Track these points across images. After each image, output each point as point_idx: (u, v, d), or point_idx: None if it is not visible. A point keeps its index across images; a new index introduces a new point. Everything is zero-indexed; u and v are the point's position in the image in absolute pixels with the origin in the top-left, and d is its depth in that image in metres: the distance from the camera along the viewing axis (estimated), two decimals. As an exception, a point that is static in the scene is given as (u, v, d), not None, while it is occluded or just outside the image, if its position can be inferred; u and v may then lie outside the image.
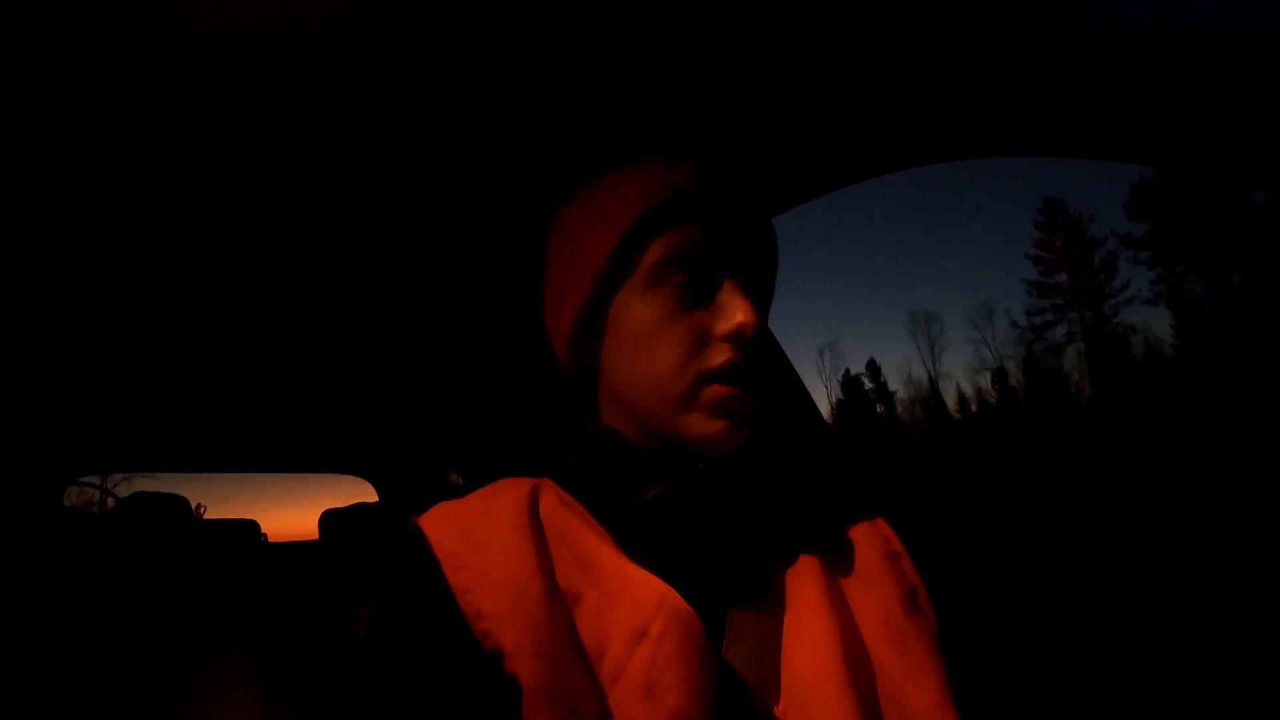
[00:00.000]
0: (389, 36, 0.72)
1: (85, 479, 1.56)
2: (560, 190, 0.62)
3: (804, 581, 0.51)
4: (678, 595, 0.45)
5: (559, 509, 0.50)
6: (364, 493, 1.94)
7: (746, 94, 0.85)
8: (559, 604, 0.45)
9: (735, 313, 0.50)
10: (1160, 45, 0.69)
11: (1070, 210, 35.73)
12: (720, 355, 0.50)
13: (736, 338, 0.49)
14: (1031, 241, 36.57)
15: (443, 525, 0.48)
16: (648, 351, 0.51)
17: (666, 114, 0.87)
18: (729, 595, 0.50)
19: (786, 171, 1.00)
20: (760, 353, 0.52)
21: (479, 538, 0.47)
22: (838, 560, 0.55)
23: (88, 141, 0.83)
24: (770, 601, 0.51)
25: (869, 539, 0.56)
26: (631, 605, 0.45)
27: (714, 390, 0.49)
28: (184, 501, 1.51)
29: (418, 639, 0.44)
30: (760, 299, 0.56)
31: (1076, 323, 35.36)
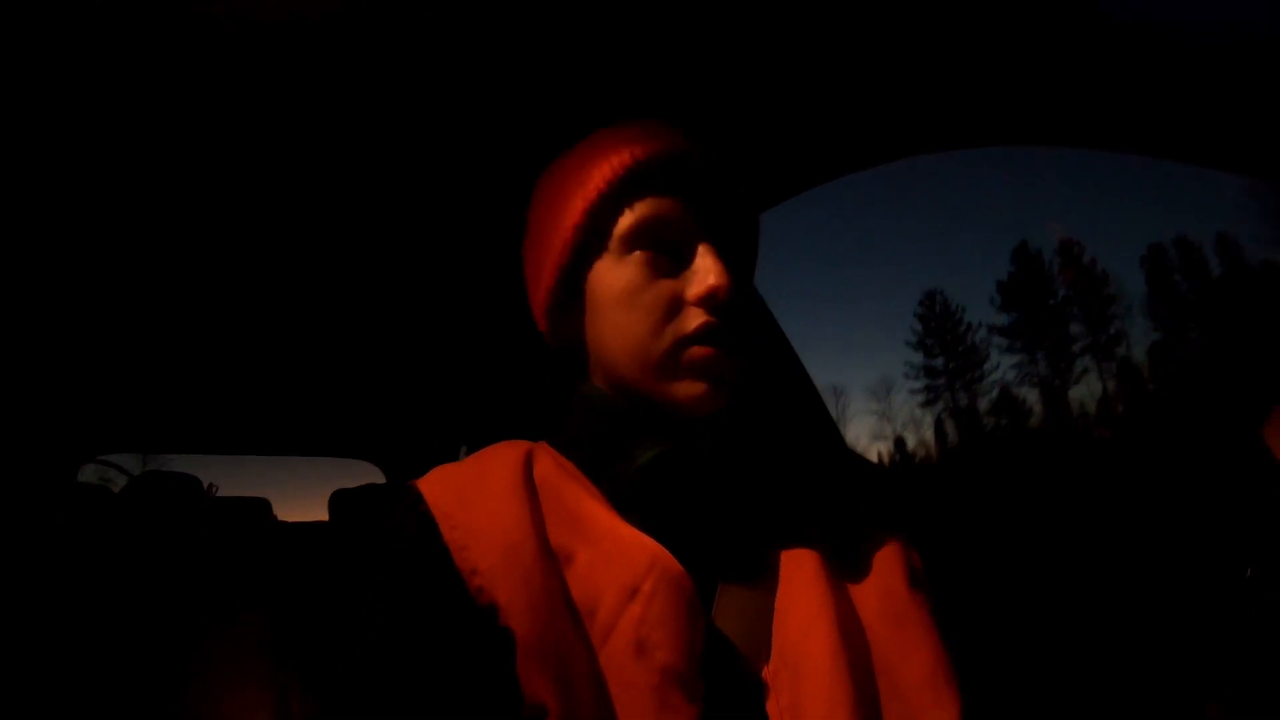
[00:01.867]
0: (376, 22, 0.73)
1: (103, 458, 1.59)
2: (537, 159, 0.62)
3: (800, 553, 0.52)
4: (670, 555, 0.46)
5: (554, 470, 0.51)
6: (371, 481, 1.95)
7: (726, 64, 0.85)
8: (551, 562, 0.45)
9: (707, 275, 0.50)
10: (1159, 38, 0.69)
11: (948, 301, 41.19)
12: (695, 319, 0.50)
13: (709, 300, 0.50)
14: (913, 329, 41.92)
15: (439, 486, 0.49)
16: (623, 319, 0.51)
17: (645, 83, 0.87)
18: (721, 561, 0.51)
19: (767, 153, 1.01)
20: (739, 316, 0.52)
21: (473, 497, 0.48)
22: (841, 534, 0.55)
23: (104, 128, 0.84)
24: (764, 567, 0.51)
25: (875, 517, 0.57)
26: (623, 564, 0.45)
27: (692, 352, 0.50)
28: (195, 480, 1.53)
29: (417, 593, 0.45)
30: (738, 265, 0.56)
31: (951, 401, 40.95)
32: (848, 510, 0.58)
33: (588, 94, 0.86)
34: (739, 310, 0.52)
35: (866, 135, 1.00)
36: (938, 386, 41.17)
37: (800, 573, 0.50)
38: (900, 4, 0.76)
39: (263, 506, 1.56)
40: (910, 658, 0.49)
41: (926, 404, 41.94)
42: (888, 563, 0.53)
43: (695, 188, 0.53)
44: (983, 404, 39.33)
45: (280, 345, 1.49)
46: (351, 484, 1.66)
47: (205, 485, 1.58)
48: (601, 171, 0.53)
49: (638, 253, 0.52)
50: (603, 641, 0.44)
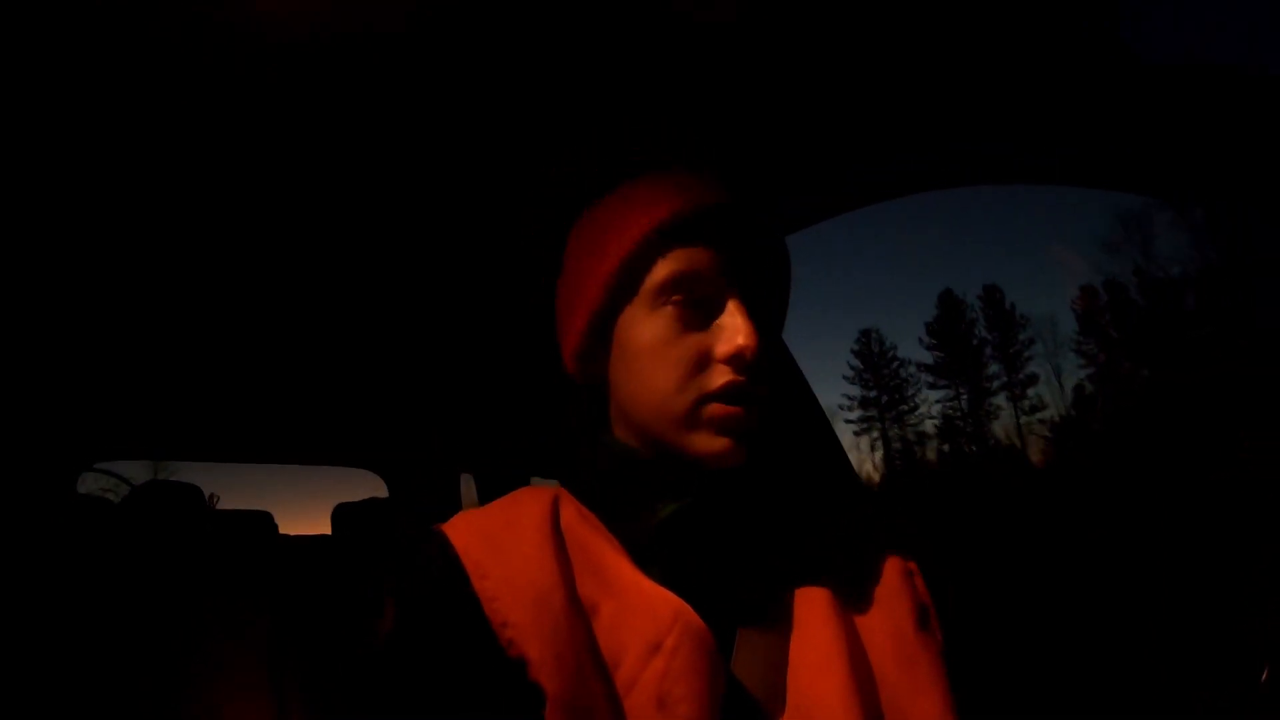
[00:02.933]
0: (412, 43, 0.73)
1: (102, 466, 1.57)
2: (573, 194, 0.63)
3: (813, 598, 0.52)
4: (691, 610, 0.47)
5: (578, 521, 0.52)
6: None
7: (756, 110, 0.85)
8: (579, 614, 0.46)
9: (736, 335, 0.50)
10: (1180, 80, 0.69)
11: (883, 339, 45.11)
12: (720, 377, 0.50)
13: (736, 360, 0.50)
14: (850, 364, 45.80)
15: (467, 534, 0.50)
16: (650, 371, 0.52)
17: (679, 125, 0.88)
18: (739, 610, 0.52)
19: (794, 190, 1.00)
20: (763, 371, 0.52)
21: (503, 547, 0.48)
22: (851, 577, 0.56)
23: (106, 133, 0.83)
24: (779, 617, 0.52)
25: (884, 555, 0.57)
26: (647, 618, 0.46)
27: (714, 409, 0.50)
28: (197, 490, 1.52)
29: (446, 643, 0.46)
30: (767, 318, 0.56)
31: (883, 430, 44.81)
32: (858, 551, 0.58)
33: (601, 116, 0.86)
34: (766, 367, 0.52)
35: (883, 168, 1.00)
36: (871, 418, 45.10)
37: (812, 619, 0.51)
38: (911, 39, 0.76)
39: (266, 520, 1.55)
40: (920, 699, 0.49)
41: (860, 433, 45.96)
42: (897, 603, 0.54)
43: (729, 242, 0.53)
44: (912, 435, 43.81)
45: (286, 354, 1.48)
46: (353, 497, 1.66)
47: (207, 496, 1.57)
48: (639, 222, 0.53)
49: (669, 305, 0.52)
50: (626, 694, 0.44)
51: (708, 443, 0.50)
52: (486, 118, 0.86)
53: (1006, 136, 0.88)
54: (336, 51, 0.74)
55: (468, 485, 1.79)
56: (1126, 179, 0.84)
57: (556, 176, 0.92)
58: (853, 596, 0.54)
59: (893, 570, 0.56)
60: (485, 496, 1.73)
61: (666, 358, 0.51)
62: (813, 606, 0.52)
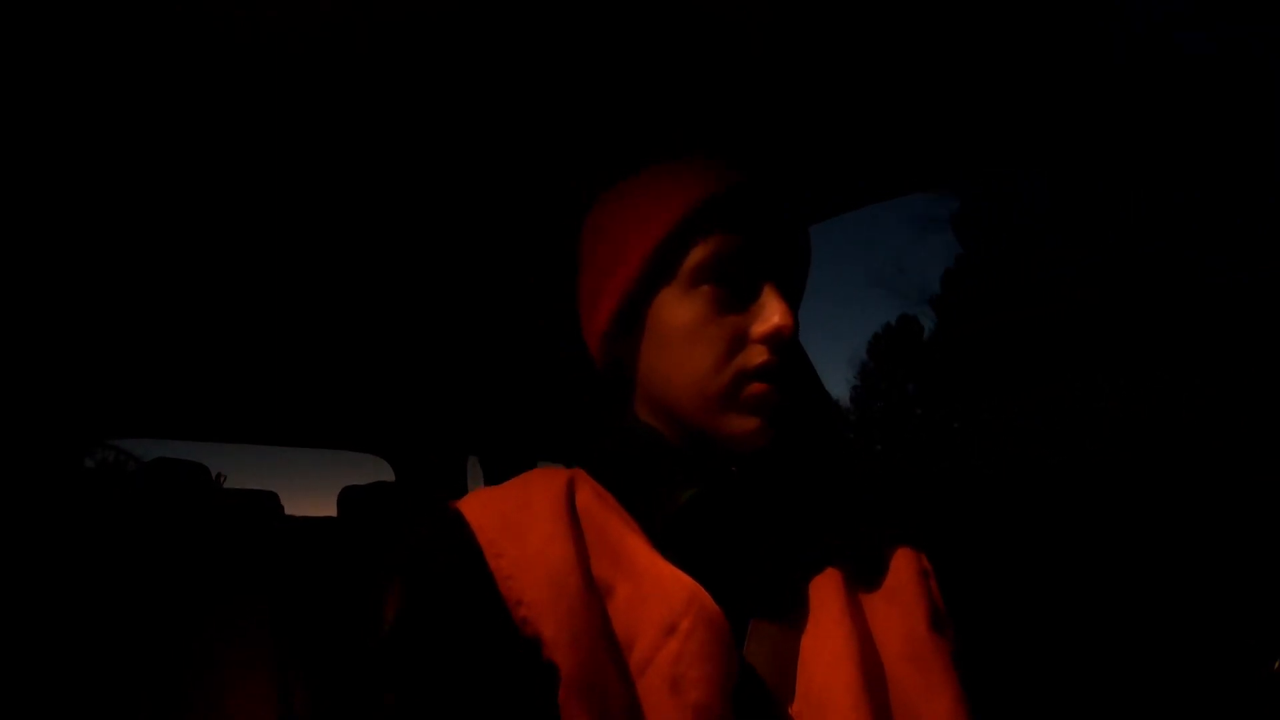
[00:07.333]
0: (422, 33, 0.73)
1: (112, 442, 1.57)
2: (587, 181, 0.62)
3: (828, 591, 0.52)
4: (707, 594, 0.47)
5: (595, 502, 0.51)
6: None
7: (779, 98, 0.85)
8: (594, 595, 0.46)
9: (774, 315, 0.51)
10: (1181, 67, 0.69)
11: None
12: (758, 355, 0.51)
13: (774, 339, 0.51)
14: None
15: (483, 512, 0.49)
16: (687, 350, 0.52)
17: (702, 114, 0.87)
18: (754, 598, 0.52)
19: (819, 177, 1.00)
20: (792, 356, 0.53)
21: (519, 526, 0.48)
22: (866, 573, 0.56)
23: (115, 121, 0.83)
24: (793, 607, 0.52)
25: (900, 555, 0.57)
26: (662, 600, 0.46)
27: (752, 388, 0.51)
28: (204, 469, 1.52)
29: (460, 620, 0.45)
30: (795, 302, 0.57)
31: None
32: (874, 548, 0.58)
33: (614, 108, 0.86)
34: (794, 350, 0.53)
35: (905, 159, 0.99)
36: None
37: (826, 613, 0.51)
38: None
39: (271, 500, 1.56)
40: (932, 701, 0.49)
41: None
42: (911, 603, 0.54)
43: (760, 227, 0.54)
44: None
45: (296, 335, 1.48)
46: (359, 480, 1.66)
47: (214, 475, 1.57)
48: (676, 203, 0.53)
49: (705, 287, 0.52)
50: (639, 675, 0.44)
51: (740, 423, 0.51)
52: (492, 108, 0.85)
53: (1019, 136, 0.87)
54: (351, 30, 0.73)
55: (474, 470, 1.78)
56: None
57: (570, 166, 0.92)
58: (867, 594, 0.54)
59: (908, 570, 0.56)
60: (492, 481, 1.73)
61: (705, 337, 0.52)
62: (826, 601, 0.52)
